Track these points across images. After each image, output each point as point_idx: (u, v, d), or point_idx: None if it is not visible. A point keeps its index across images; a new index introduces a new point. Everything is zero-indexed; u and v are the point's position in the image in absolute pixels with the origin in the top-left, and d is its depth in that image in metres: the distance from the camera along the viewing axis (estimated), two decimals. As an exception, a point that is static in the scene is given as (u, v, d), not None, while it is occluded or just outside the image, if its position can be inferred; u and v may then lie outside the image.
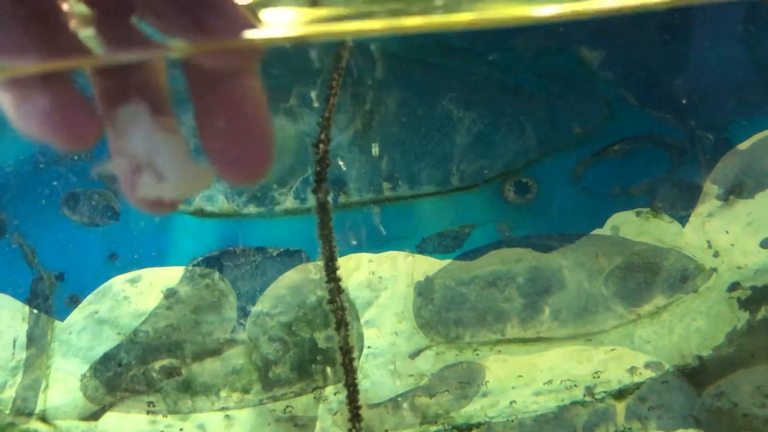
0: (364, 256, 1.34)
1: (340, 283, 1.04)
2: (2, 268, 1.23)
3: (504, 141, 1.31)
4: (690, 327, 1.41)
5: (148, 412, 1.32)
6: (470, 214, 1.34)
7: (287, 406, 1.36)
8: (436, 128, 1.29)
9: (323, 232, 1.02)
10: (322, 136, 0.99)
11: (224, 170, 0.38)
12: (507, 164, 1.32)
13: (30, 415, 1.28)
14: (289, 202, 1.31)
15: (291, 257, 1.34)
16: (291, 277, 1.35)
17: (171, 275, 1.31)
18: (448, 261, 1.35)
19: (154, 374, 1.32)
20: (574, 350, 1.39)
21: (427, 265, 1.35)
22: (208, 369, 1.35)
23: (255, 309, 1.35)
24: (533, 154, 1.32)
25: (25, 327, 1.26)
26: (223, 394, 1.36)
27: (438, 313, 1.37)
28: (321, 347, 1.37)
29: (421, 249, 1.34)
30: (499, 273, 1.36)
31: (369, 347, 1.37)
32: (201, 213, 1.30)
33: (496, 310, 1.37)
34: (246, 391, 1.36)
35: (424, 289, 1.36)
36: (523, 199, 1.33)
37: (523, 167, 1.32)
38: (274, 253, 1.33)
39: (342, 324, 1.01)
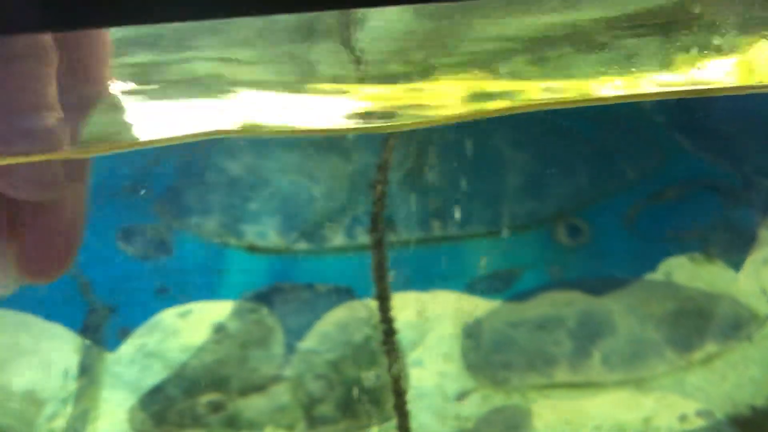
0: (412, 296, 1.34)
1: (394, 324, 1.04)
2: (58, 300, 1.25)
3: (556, 183, 1.31)
4: (743, 375, 1.38)
5: (193, 447, 1.32)
6: (521, 256, 1.33)
7: (331, 445, 1.36)
8: (487, 168, 1.29)
9: (378, 273, 1.03)
10: (380, 177, 0.99)
11: (22, 266, 0.38)
12: (559, 206, 1.31)
13: (78, 446, 1.29)
14: (338, 240, 1.32)
15: (339, 294, 1.34)
16: (338, 314, 1.35)
17: (220, 310, 1.31)
18: (497, 302, 1.34)
19: (201, 409, 1.32)
20: (624, 396, 1.36)
21: (476, 306, 1.34)
22: (253, 405, 1.35)
23: (302, 345, 1.35)
24: (586, 197, 1.31)
25: (77, 358, 1.27)
26: (267, 430, 1.35)
27: (486, 356, 1.36)
28: (367, 386, 1.36)
29: (470, 289, 1.34)
30: (549, 316, 1.35)
31: (415, 388, 1.35)
32: (252, 248, 1.31)
33: (546, 353, 1.35)
34: (291, 428, 1.36)
35: (472, 331, 1.35)
36: (574, 242, 1.32)
37: (576, 210, 1.31)
38: (323, 290, 1.34)
39: (394, 366, 1.00)
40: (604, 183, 1.31)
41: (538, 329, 1.35)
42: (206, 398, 1.33)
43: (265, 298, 1.33)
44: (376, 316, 1.36)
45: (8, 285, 0.42)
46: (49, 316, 1.25)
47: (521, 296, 1.34)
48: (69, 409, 1.28)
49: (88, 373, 1.28)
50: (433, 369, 1.35)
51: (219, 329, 1.31)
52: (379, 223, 1.00)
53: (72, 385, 1.28)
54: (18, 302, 1.23)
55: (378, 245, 1.01)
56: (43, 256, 0.38)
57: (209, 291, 1.31)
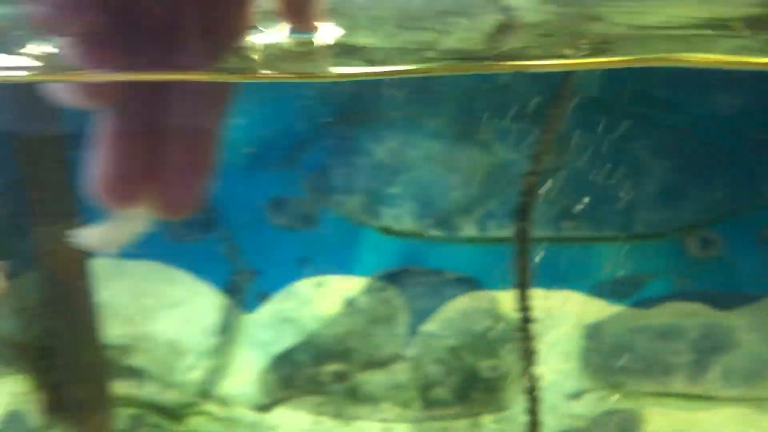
0: (537, 292, 1.37)
1: (531, 313, 1.08)
2: (208, 259, 1.34)
3: (693, 194, 1.32)
4: None
5: (314, 413, 1.39)
6: (649, 263, 1.35)
7: (444, 429, 1.40)
8: (625, 173, 1.32)
9: (520, 262, 1.07)
10: (533, 169, 1.04)
11: (161, 202, 0.41)
12: (693, 217, 1.32)
13: (211, 398, 1.38)
14: (470, 229, 1.37)
15: (465, 283, 1.39)
16: (463, 302, 1.39)
17: (353, 285, 1.38)
18: (620, 307, 1.36)
19: (325, 377, 1.39)
20: (741, 413, 1.36)
21: (599, 308, 1.37)
22: (374, 380, 1.41)
23: (424, 329, 1.40)
24: (722, 210, 1.32)
25: (219, 316, 1.36)
26: (384, 406, 1.41)
27: (604, 358, 1.38)
28: (483, 376, 1.40)
29: (594, 292, 1.36)
30: (672, 326, 1.36)
31: (530, 381, 1.39)
32: (387, 230, 1.37)
33: (664, 362, 1.36)
34: (406, 406, 1.41)
35: (592, 332, 1.38)
36: (705, 254, 1.33)
37: (710, 222, 1.32)
38: (450, 278, 1.39)
39: (529, 354, 1.05)
40: (741, 198, 1.32)
41: (658, 337, 1.36)
42: (331, 368, 1.39)
43: (394, 278, 1.39)
44: (499, 308, 1.40)
45: (145, 221, 0.47)
46: (199, 273, 1.34)
47: (645, 303, 1.36)
48: (206, 363, 1.37)
49: (226, 331, 1.37)
50: (551, 366, 1.38)
51: (349, 303, 1.38)
52: (527, 214, 1.05)
53: (211, 341, 1.37)
54: (173, 257, 1.33)
55: (523, 236, 1.05)
56: (182, 194, 0.42)
57: (344, 266, 1.37)
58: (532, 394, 1.08)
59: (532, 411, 1.08)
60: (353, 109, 1.34)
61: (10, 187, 1.26)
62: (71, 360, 1.26)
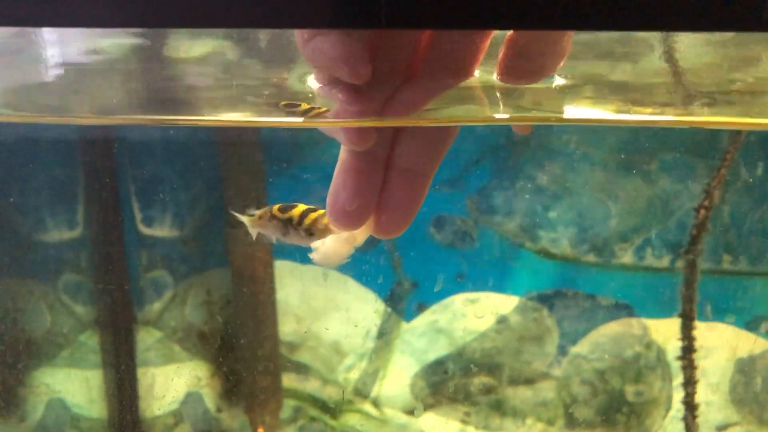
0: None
1: (695, 342, 1.11)
2: (374, 268, 1.44)
3: None
4: None
5: (461, 421, 1.46)
6: (810, 303, 1.34)
7: (587, 448, 1.44)
8: (790, 213, 1.32)
9: (687, 292, 1.10)
10: (706, 203, 1.07)
11: (378, 223, 0.48)
12: None
13: (366, 397, 1.47)
14: (627, 258, 1.40)
15: (617, 309, 1.42)
16: (613, 327, 1.43)
17: (506, 303, 1.44)
18: (777, 344, 1.36)
19: (473, 388, 1.46)
20: None
21: (754, 343, 1.37)
22: (520, 395, 1.46)
23: (573, 350, 1.44)
24: None
25: (378, 321, 1.46)
26: (528, 421, 1.46)
27: (755, 393, 1.38)
28: (629, 400, 1.43)
29: (750, 326, 1.37)
30: (831, 367, 1.35)
31: (677, 410, 1.41)
32: (544, 253, 1.42)
33: (820, 403, 1.35)
34: (550, 423, 1.46)
35: (745, 367, 1.38)
36: None
37: None
38: (603, 303, 1.43)
39: (691, 382, 1.07)
40: None
41: (815, 378, 1.35)
42: (479, 380, 1.46)
43: (547, 299, 1.44)
44: (651, 335, 1.43)
45: (362, 239, 0.55)
46: (364, 281, 1.44)
47: (803, 342, 1.35)
48: (364, 365, 1.47)
49: (385, 336, 1.46)
50: (700, 396, 1.39)
51: (501, 320, 1.45)
52: (697, 244, 1.08)
53: (370, 344, 1.47)
54: (342, 265, 1.44)
55: (692, 266, 1.08)
56: (396, 218, 0.49)
57: (499, 284, 1.44)
58: (691, 421, 1.11)
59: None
60: (518, 134, 1.41)
61: (210, 187, 1.40)
62: (249, 352, 1.38)
